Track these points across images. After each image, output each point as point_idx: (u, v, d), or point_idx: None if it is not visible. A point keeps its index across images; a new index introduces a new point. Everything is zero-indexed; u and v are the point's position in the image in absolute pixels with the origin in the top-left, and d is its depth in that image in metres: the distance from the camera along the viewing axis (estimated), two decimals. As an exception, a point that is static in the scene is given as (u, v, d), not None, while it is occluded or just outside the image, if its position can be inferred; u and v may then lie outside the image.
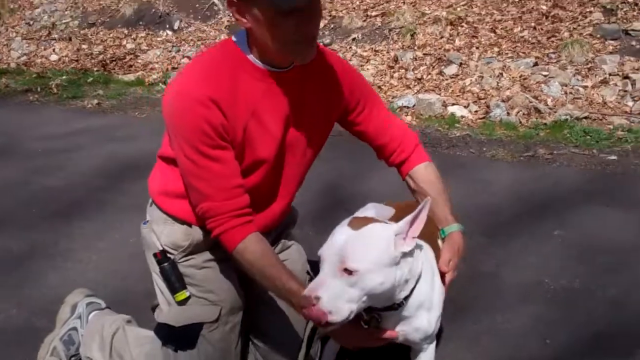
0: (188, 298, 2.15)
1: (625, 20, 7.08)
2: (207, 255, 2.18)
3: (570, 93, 6.31)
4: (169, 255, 2.17)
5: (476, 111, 6.21)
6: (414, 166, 2.28)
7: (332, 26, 8.57)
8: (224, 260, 2.17)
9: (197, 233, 2.15)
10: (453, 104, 6.36)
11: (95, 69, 8.91)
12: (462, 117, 6.06)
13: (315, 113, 2.09)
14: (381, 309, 1.85)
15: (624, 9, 7.21)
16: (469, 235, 3.36)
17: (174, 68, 8.57)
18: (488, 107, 6.19)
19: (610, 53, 6.77)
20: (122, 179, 4.68)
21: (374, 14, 8.54)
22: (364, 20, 8.46)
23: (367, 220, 1.76)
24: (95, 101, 7.29)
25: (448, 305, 2.65)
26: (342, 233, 1.72)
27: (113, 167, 4.98)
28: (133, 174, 4.71)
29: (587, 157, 4.74)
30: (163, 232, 2.19)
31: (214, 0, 9.90)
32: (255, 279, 2.00)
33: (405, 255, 1.72)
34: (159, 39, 9.63)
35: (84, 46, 9.81)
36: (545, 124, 5.59)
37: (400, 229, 1.71)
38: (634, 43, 6.80)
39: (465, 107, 6.28)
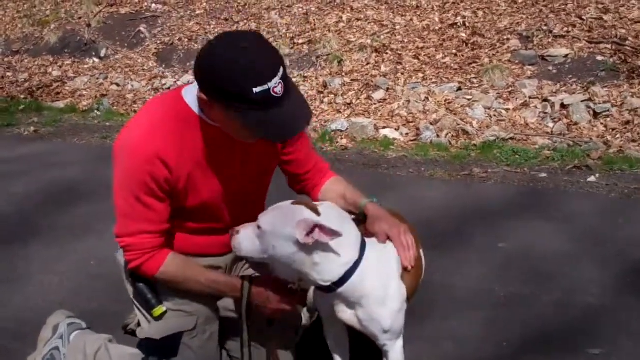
0: (165, 313, 2.26)
1: (541, 47, 7.52)
2: None
3: (494, 116, 6.65)
4: None
5: (407, 134, 6.46)
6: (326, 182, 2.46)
7: (259, 53, 8.73)
8: None
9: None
10: (384, 127, 6.59)
11: (22, 96, 8.80)
12: (395, 139, 6.29)
13: (261, 149, 2.20)
14: (317, 287, 2.07)
15: (540, 36, 7.64)
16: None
17: (103, 95, 8.54)
18: (418, 129, 6.45)
19: (529, 78, 7.16)
20: (71, 203, 4.67)
21: (300, 41, 8.74)
22: (292, 48, 8.64)
23: (308, 205, 2.02)
24: (32, 128, 7.22)
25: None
26: (282, 203, 2.06)
27: (60, 192, 4.94)
28: (81, 199, 4.74)
29: (520, 175, 5.03)
30: None
31: (140, 28, 9.91)
32: (181, 287, 2.20)
33: (306, 246, 1.91)
34: (85, 66, 9.56)
35: (8, 74, 9.68)
36: (475, 144, 5.89)
37: (307, 220, 1.91)
38: (550, 68, 7.23)
39: (396, 129, 6.52)
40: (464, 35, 8.09)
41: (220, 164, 2.13)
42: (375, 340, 2.15)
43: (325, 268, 1.97)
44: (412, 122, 6.67)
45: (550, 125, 6.38)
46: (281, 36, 8.93)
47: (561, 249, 3.74)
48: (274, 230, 1.95)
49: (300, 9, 9.42)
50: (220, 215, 2.25)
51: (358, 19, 8.92)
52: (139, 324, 2.87)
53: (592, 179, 4.82)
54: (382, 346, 2.16)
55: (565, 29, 7.68)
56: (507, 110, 6.72)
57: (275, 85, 1.79)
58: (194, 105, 2.04)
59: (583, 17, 7.74)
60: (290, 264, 1.98)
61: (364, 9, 9.07)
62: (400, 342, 2.18)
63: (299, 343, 2.50)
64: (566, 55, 7.33)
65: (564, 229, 3.98)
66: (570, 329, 2.98)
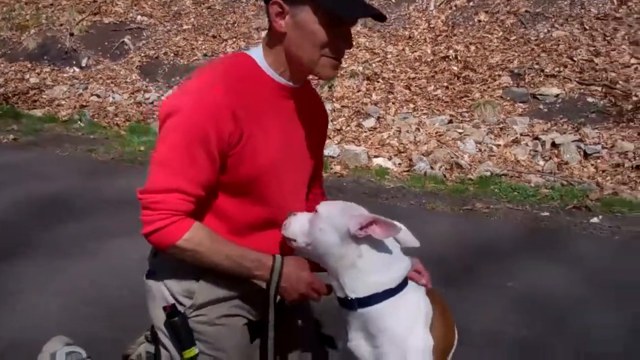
0: (196, 356, 2.01)
1: (532, 85, 7.56)
2: (220, 309, 2.04)
3: (485, 150, 6.63)
4: (179, 308, 2.08)
5: (400, 164, 6.40)
6: None
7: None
8: (237, 314, 2.12)
9: (208, 275, 2.08)
10: (376, 156, 6.52)
11: (-4, 101, 8.56)
12: (388, 169, 6.22)
13: (312, 131, 2.09)
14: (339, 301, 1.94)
15: (531, 74, 7.70)
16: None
17: (82, 106, 8.35)
18: (411, 160, 6.39)
19: (520, 115, 7.19)
20: (59, 219, 4.46)
21: (291, 64, 8.68)
22: (282, 70, 8.58)
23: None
24: (11, 136, 7.00)
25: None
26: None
27: (46, 207, 4.74)
28: (70, 215, 4.55)
29: (522, 212, 5.01)
30: (173, 279, 2.11)
31: (124, 40, 9.75)
32: (202, 261, 1.93)
33: (355, 240, 1.85)
34: (65, 75, 9.35)
35: (-18, 78, 9.41)
36: (470, 179, 5.85)
37: (364, 215, 1.85)
38: (541, 106, 7.26)
39: (388, 159, 6.46)
40: (455, 68, 8.11)
41: (279, 127, 1.96)
42: None
43: (361, 277, 1.88)
44: (403, 152, 6.62)
45: (541, 163, 6.39)
46: (270, 57, 8.86)
47: (571, 291, 3.68)
48: (328, 214, 1.88)
49: (291, 31, 9.36)
50: (267, 196, 2.00)
51: (349, 45, 8.89)
52: (140, 355, 2.68)
53: (595, 220, 4.80)
54: None
55: (557, 68, 7.75)
56: (498, 146, 6.72)
57: None
58: (260, 62, 1.92)
59: (574, 58, 7.82)
60: (329, 257, 1.89)
61: (356, 36, 9.04)
62: None
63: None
64: (557, 95, 7.39)
65: (573, 270, 3.94)
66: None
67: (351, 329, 1.98)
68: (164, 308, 2.00)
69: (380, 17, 1.88)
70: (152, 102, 8.36)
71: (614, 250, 4.31)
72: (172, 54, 9.34)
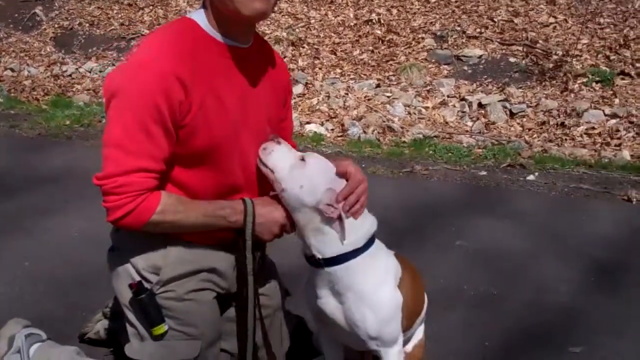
0: (166, 332, 1.96)
1: (455, 47, 7.66)
2: (188, 284, 1.98)
3: (414, 113, 6.70)
4: (146, 285, 1.94)
5: (332, 129, 6.39)
6: None
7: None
8: (206, 288, 2.03)
9: (174, 250, 1.97)
10: (307, 122, 6.50)
11: None
12: (322, 135, 6.20)
13: (270, 94, 2.06)
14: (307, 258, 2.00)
15: (454, 36, 7.80)
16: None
17: (-3, 81, 8.01)
18: (343, 125, 6.39)
19: (446, 77, 7.29)
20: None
21: (211, 31, 8.52)
22: (202, 38, 8.42)
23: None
24: None
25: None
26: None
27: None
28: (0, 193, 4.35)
29: (460, 172, 5.09)
30: (138, 255, 1.97)
31: (35, 11, 9.35)
32: (180, 226, 1.90)
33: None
34: (-25, 50, 8.93)
35: None
36: (405, 142, 5.90)
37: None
38: (465, 68, 7.38)
39: (320, 125, 6.44)
40: (379, 32, 8.13)
41: (234, 91, 1.91)
42: (365, 348, 2.08)
43: (326, 240, 1.92)
44: (334, 117, 6.61)
45: (469, 124, 6.50)
46: (190, 25, 8.66)
47: (519, 247, 3.79)
48: (315, 172, 1.90)
49: (210, -3, 9.18)
50: (227, 165, 1.96)
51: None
52: (98, 333, 2.61)
53: (531, 177, 4.93)
54: (376, 352, 2.07)
55: (478, 30, 7.88)
56: (426, 108, 6.80)
57: None
58: (203, 24, 1.87)
59: (494, 19, 7.96)
60: (298, 214, 1.92)
61: (278, 1, 8.93)
62: (395, 349, 2.07)
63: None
64: (480, 56, 7.52)
65: (517, 227, 4.05)
66: (547, 328, 3.01)
67: (319, 287, 1.99)
68: (130, 286, 1.94)
69: None
70: (70, 75, 8.08)
71: (552, 205, 4.45)
72: (87, 24, 9.02)
